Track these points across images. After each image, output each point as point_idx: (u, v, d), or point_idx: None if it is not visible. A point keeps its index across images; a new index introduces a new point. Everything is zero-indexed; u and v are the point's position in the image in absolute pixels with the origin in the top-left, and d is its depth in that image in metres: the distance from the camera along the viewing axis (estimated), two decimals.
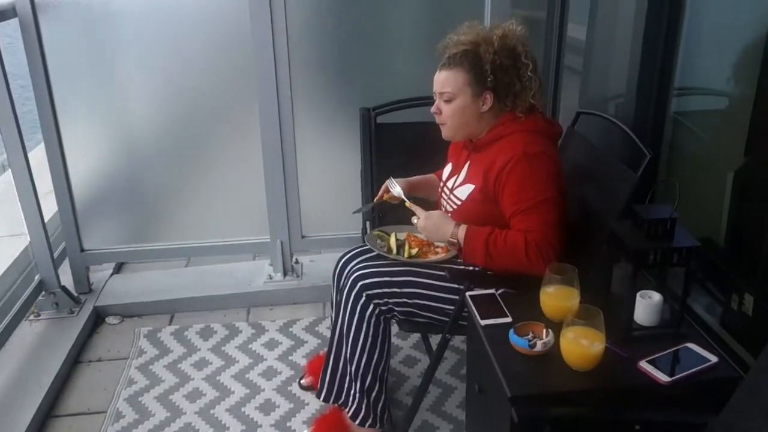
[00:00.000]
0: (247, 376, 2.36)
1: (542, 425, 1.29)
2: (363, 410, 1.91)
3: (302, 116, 2.65)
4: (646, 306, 1.48)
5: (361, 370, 1.89)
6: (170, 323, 2.70)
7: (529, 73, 1.73)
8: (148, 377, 2.36)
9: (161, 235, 2.84)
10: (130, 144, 2.70)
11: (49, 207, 2.73)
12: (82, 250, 2.77)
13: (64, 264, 2.82)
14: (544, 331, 1.44)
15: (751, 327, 1.70)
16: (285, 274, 2.86)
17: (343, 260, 2.04)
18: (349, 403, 1.95)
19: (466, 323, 1.71)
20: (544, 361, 1.41)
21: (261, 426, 2.11)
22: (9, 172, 2.47)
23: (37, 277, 2.64)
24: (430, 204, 1.99)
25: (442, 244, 1.91)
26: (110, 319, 2.72)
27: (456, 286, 1.78)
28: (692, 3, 2.00)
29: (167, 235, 2.84)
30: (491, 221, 1.74)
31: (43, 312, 2.63)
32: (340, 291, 1.95)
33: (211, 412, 2.19)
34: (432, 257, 1.90)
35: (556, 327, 1.42)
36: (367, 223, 2.22)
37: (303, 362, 2.41)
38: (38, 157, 2.78)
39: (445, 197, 1.91)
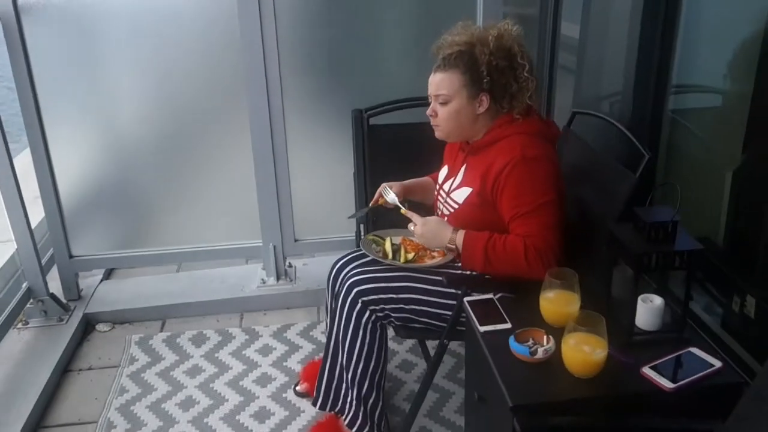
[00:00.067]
0: (241, 383, 2.32)
1: None
2: (360, 418, 1.88)
3: (293, 118, 2.61)
4: (648, 310, 1.46)
5: (357, 378, 1.86)
6: (162, 330, 2.66)
7: (525, 74, 1.71)
8: (140, 386, 2.32)
9: (151, 240, 2.79)
10: (119, 147, 2.65)
11: (37, 213, 2.68)
12: (71, 257, 2.72)
13: (53, 271, 2.77)
14: (545, 337, 1.43)
15: (754, 329, 1.68)
16: (278, 278, 2.82)
17: (338, 266, 2.01)
18: (346, 411, 1.92)
19: (464, 328, 1.69)
20: (545, 368, 1.39)
21: None
22: None
23: (24, 285, 2.59)
24: (426, 208, 1.96)
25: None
26: (100, 327, 2.67)
27: (453, 291, 1.75)
28: None
29: (158, 240, 2.79)
30: (489, 225, 1.71)
31: (32, 320, 2.59)
32: (335, 297, 1.92)
33: (205, 420, 2.15)
34: (428, 261, 1.87)
35: (557, 333, 1.40)
36: (362, 226, 2.19)
37: (298, 368, 2.38)
38: (25, 161, 2.72)
39: (442, 200, 1.88)
